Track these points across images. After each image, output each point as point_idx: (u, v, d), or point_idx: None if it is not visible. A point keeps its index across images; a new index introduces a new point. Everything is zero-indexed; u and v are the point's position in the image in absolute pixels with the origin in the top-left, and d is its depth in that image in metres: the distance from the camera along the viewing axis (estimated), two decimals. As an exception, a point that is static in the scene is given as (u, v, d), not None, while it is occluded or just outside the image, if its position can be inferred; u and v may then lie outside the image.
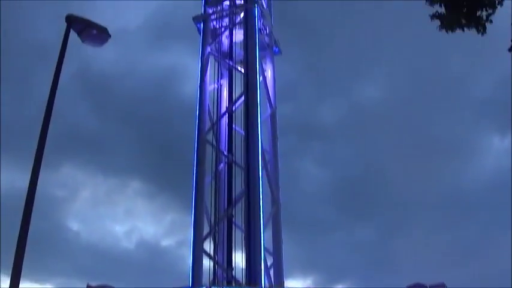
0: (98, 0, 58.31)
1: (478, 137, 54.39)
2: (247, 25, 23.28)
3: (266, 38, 24.89)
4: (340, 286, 50.01)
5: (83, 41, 13.39)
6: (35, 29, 53.09)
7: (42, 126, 11.41)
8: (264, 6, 25.36)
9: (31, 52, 52.15)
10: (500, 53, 13.76)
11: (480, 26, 15.05)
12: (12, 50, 47.95)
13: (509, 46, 13.06)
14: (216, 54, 24.41)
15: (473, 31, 15.24)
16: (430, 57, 48.42)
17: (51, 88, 11.99)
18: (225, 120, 23.38)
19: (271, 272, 20.93)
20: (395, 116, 51.54)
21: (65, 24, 13.00)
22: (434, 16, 15.23)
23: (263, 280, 19.09)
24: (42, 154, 11.04)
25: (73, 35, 13.02)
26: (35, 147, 11.11)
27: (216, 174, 22.41)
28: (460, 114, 52.77)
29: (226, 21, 24.68)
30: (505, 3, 15.08)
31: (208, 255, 21.00)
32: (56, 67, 12.39)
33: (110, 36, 13.38)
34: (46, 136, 11.31)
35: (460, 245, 44.78)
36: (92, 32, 13.31)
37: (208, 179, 22.21)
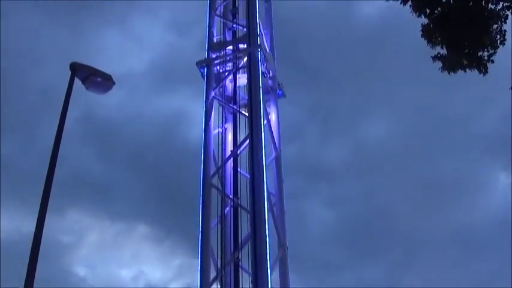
0: (103, 44, 59.46)
1: (484, 173, 54.31)
2: (251, 69, 23.49)
3: (269, 82, 25.08)
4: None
5: (87, 89, 13.49)
6: (40, 73, 53.73)
7: (48, 171, 11.43)
8: (267, 49, 25.63)
9: (36, 97, 52.73)
10: (503, 88, 13.84)
11: (482, 66, 15.19)
12: (17, 94, 48.53)
13: (510, 85, 13.20)
14: (220, 99, 24.58)
15: (475, 71, 15.42)
16: (434, 95, 48.57)
17: (56, 135, 12.04)
18: (230, 163, 23.40)
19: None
20: (401, 154, 51.63)
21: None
22: (436, 58, 15.41)
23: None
24: (48, 199, 11.04)
25: (78, 81, 13.16)
26: (41, 192, 11.12)
27: (222, 218, 22.33)
28: (465, 151, 52.79)
29: (229, 65, 24.93)
30: (506, 40, 15.26)
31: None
32: (61, 114, 12.47)
33: (114, 83, 13.50)
34: (52, 181, 11.33)
35: (470, 283, 44.28)
36: (97, 79, 13.42)
37: (214, 223, 22.13)
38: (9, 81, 44.19)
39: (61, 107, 12.48)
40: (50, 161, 11.59)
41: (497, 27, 15.12)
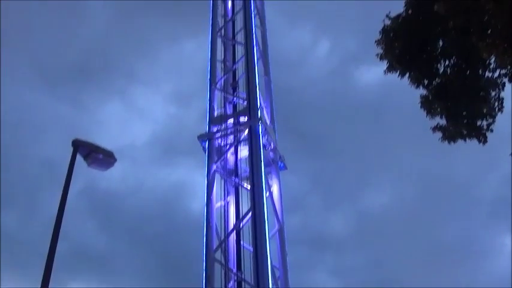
0: (104, 116, 60.12)
1: (490, 237, 53.99)
2: (252, 142, 23.57)
3: (271, 154, 25.13)
4: None
5: (88, 166, 13.54)
6: (41, 146, 54.11)
7: (51, 244, 11.38)
8: (268, 122, 25.81)
9: (37, 169, 52.91)
10: (504, 151, 13.86)
11: (481, 136, 15.27)
12: (18, 166, 48.71)
13: (510, 151, 13.19)
14: (222, 172, 24.57)
15: (475, 141, 15.47)
16: (435, 161, 48.85)
17: (58, 209, 12.08)
18: (233, 237, 23.15)
19: None
20: (406, 221, 51.44)
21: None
22: (435, 128, 15.50)
23: None
24: (50, 272, 10.96)
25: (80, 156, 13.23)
26: (43, 265, 11.04)
27: (226, 293, 21.93)
28: (469, 215, 52.75)
29: (230, 138, 25.03)
30: (505, 102, 15.36)
31: None
32: (63, 190, 12.51)
33: (116, 160, 13.56)
34: (54, 254, 11.26)
35: None
36: (98, 156, 13.51)
37: (218, 298, 21.72)
38: (10, 153, 44.55)
39: (62, 180, 12.57)
40: (53, 234, 11.55)
41: (495, 94, 15.29)
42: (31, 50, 58.65)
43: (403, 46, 14.95)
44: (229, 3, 29.70)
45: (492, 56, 12.77)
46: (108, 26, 61.50)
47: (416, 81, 15.24)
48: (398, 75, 15.23)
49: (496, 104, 15.47)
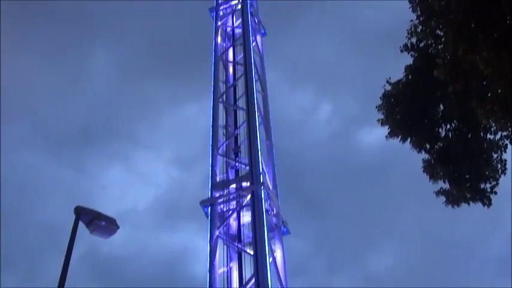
0: (107, 180, 60.11)
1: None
2: (254, 207, 23.46)
3: (274, 219, 24.97)
4: None
5: (91, 233, 13.47)
6: (42, 209, 53.98)
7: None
8: (270, 187, 25.76)
9: (38, 232, 52.57)
10: (508, 209, 13.81)
11: (485, 198, 15.21)
12: (19, 229, 48.42)
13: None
14: (225, 238, 24.36)
15: (479, 204, 15.41)
16: (439, 221, 48.48)
17: (60, 276, 11.94)
18: (236, 303, 22.82)
19: None
20: (412, 282, 50.68)
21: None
22: (439, 193, 15.46)
23: None
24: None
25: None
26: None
27: None
28: (476, 274, 51.88)
29: (233, 204, 24.93)
30: (507, 169, 15.35)
31: None
32: (66, 255, 12.44)
33: (118, 227, 13.49)
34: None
35: None
36: (101, 223, 13.43)
37: None
38: (11, 216, 44.42)
39: (63, 245, 12.50)
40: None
41: (497, 156, 15.31)
42: (34, 113, 59.38)
43: (404, 111, 15.08)
44: (231, 69, 30.11)
45: (491, 121, 12.86)
46: (110, 89, 62.37)
47: (418, 146, 15.30)
48: (400, 141, 15.30)
49: (499, 166, 15.48)
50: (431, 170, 15.59)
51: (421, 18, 12.87)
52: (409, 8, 12.90)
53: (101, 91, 62.33)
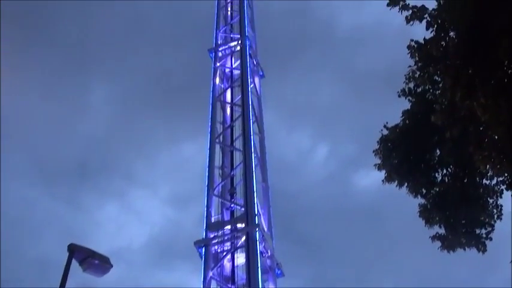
0: (102, 217, 59.77)
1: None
2: (249, 249, 23.34)
3: (268, 261, 24.80)
4: None
5: (84, 271, 13.33)
6: (36, 244, 53.53)
7: None
8: (265, 229, 25.65)
9: (31, 268, 52.01)
10: (504, 253, 13.70)
11: (480, 244, 15.14)
12: (13, 264, 47.86)
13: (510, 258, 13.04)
14: (218, 279, 24.14)
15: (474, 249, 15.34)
16: (434, 265, 48.13)
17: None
18: None
19: None
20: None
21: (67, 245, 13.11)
22: (434, 237, 15.38)
23: None
24: None
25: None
26: None
27: None
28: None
29: (227, 245, 24.79)
30: (503, 215, 15.31)
31: None
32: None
33: (112, 266, 13.37)
34: None
35: None
36: (94, 261, 13.31)
37: None
38: (4, 250, 43.99)
39: (55, 282, 12.37)
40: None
41: (493, 202, 15.29)
42: (31, 146, 59.37)
43: (401, 156, 15.12)
44: (228, 110, 30.26)
45: (488, 167, 12.89)
46: (109, 124, 62.55)
47: (415, 191, 15.29)
48: (397, 186, 15.30)
49: (495, 211, 15.45)
50: (427, 215, 15.55)
51: (419, 64, 13.02)
52: (408, 53, 13.05)
53: (100, 126, 62.56)
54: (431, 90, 14.80)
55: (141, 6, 63.59)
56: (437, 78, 13.57)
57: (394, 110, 15.78)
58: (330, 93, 61.41)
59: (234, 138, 28.87)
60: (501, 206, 15.43)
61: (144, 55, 62.65)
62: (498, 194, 15.32)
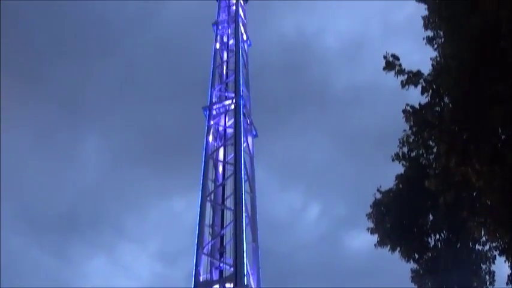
0: (89, 270, 58.93)
1: None
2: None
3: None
4: None
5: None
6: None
7: None
8: (254, 290, 25.33)
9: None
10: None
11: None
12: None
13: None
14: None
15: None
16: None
17: None
18: None
19: None
20: None
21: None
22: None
23: None
24: None
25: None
26: None
27: None
28: None
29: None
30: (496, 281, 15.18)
31: None
32: None
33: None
34: None
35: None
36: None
37: None
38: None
39: None
40: None
41: (486, 267, 15.18)
42: (20, 196, 58.83)
43: (393, 220, 15.09)
44: (220, 168, 30.20)
45: (483, 233, 12.85)
46: (99, 176, 62.27)
47: (407, 256, 15.18)
48: (389, 250, 15.20)
49: (487, 277, 15.34)
50: (420, 280, 15.42)
51: (414, 129, 13.11)
52: (403, 118, 13.16)
53: (90, 178, 62.29)
54: (425, 155, 14.86)
55: (136, 61, 64.43)
56: (431, 143, 13.65)
57: (387, 171, 15.80)
58: (323, 153, 61.60)
59: (225, 196, 28.72)
60: (493, 272, 15.34)
61: (137, 109, 63.07)
62: (491, 260, 15.24)
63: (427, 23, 16.05)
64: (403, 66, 13.33)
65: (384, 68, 13.23)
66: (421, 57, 16.33)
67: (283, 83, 62.64)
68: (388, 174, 15.77)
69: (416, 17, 16.08)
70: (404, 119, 13.13)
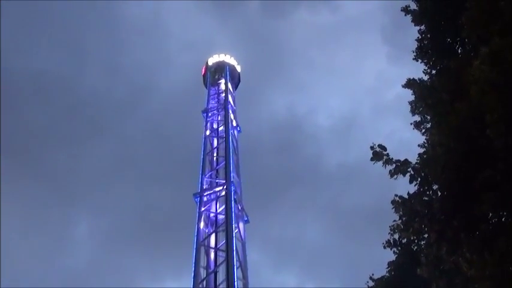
0: None
1: None
2: None
3: None
4: None
5: None
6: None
7: None
8: None
9: None
10: None
11: None
12: None
13: None
14: None
15: None
16: None
17: None
18: None
19: None
20: None
21: None
22: None
23: None
24: None
25: None
26: None
27: None
28: None
29: None
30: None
31: None
32: None
33: None
34: None
35: None
36: None
37: None
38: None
39: None
40: None
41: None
42: (11, 278, 57.65)
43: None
44: (212, 255, 30.06)
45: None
46: (91, 260, 61.68)
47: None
48: None
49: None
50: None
51: (404, 219, 13.16)
52: (392, 208, 13.23)
53: (82, 262, 61.59)
54: (416, 241, 14.85)
55: (127, 141, 64.90)
56: (422, 231, 13.66)
57: (381, 249, 15.64)
58: (316, 231, 61.50)
59: (217, 283, 28.48)
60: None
61: (128, 190, 63.05)
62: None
63: (414, 108, 16.35)
64: (391, 155, 13.47)
65: (372, 159, 13.35)
66: (411, 134, 16.59)
67: (275, 161, 63.22)
68: (383, 251, 15.65)
69: (407, 95, 16.42)
70: (394, 209, 13.19)
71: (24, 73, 60.16)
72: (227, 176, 32.29)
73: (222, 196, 31.73)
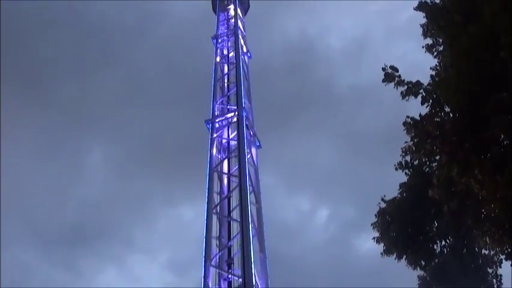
0: (100, 282, 58.87)
1: None
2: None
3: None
4: None
5: None
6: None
7: None
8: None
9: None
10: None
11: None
12: None
13: None
14: None
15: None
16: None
17: None
18: None
19: None
20: None
21: None
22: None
23: None
24: None
25: None
26: None
27: None
28: None
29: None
30: (503, 284, 15.29)
31: None
32: None
33: None
34: None
35: None
36: None
37: None
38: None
39: None
40: None
41: (492, 271, 15.29)
42: (26, 210, 58.71)
43: (399, 229, 15.17)
44: (225, 181, 30.41)
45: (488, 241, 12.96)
46: (106, 188, 62.22)
47: (414, 264, 15.30)
48: (395, 258, 15.31)
49: (495, 281, 15.43)
50: (427, 287, 15.53)
51: (415, 140, 13.24)
52: (404, 130, 13.29)
53: (97, 190, 62.24)
54: (428, 163, 14.97)
55: (137, 69, 64.40)
56: (433, 152, 13.75)
57: (393, 171, 15.75)
58: (329, 154, 61.58)
59: (231, 208, 28.94)
60: (500, 275, 15.43)
61: (140, 117, 63.00)
62: (497, 264, 15.34)
63: (426, 31, 16.16)
64: (403, 77, 13.43)
65: (383, 80, 13.34)
66: (424, 57, 16.45)
67: (287, 84, 62.79)
68: (395, 173, 15.78)
69: (419, 17, 16.19)
70: (405, 131, 13.25)
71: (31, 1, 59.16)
72: (238, 102, 32.27)
73: (233, 122, 31.86)
